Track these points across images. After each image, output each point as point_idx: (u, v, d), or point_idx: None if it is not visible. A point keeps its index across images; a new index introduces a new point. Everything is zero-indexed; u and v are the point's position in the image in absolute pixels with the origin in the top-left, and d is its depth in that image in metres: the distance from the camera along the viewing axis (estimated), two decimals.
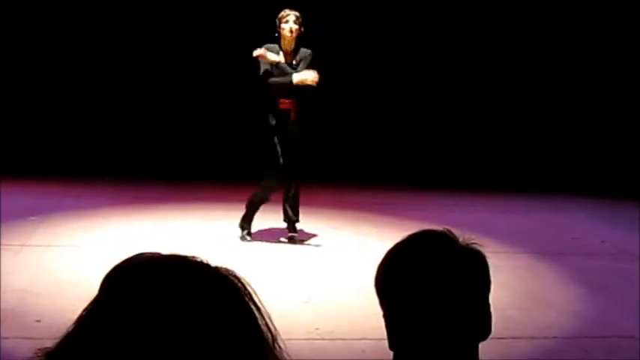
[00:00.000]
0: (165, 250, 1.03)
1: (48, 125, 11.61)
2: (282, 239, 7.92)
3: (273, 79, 7.43)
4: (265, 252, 7.59)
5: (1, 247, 7.24)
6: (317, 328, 5.80)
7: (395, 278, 1.67)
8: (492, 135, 12.18)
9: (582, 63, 12.15)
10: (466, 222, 8.86)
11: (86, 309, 0.99)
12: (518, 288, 6.49)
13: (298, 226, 7.94)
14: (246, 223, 7.85)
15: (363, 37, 12.00)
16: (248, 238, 7.83)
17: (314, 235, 8.20)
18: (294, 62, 7.53)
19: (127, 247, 7.14)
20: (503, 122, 12.23)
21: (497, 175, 11.47)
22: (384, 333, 1.72)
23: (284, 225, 7.88)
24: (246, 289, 0.99)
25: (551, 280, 7.11)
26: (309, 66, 7.54)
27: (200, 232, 8.09)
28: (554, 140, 12.14)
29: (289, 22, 7.44)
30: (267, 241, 7.95)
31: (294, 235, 7.87)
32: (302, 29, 7.53)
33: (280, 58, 7.49)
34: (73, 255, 7.19)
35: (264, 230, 8.23)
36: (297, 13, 7.51)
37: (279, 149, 7.50)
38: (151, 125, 11.71)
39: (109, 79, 11.79)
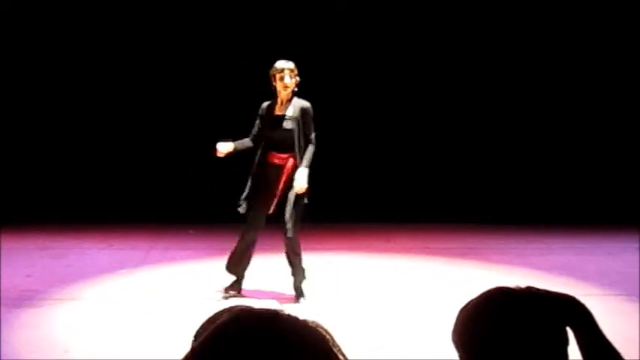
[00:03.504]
0: (251, 302, 1.05)
1: (133, 177, 11.90)
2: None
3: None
4: (346, 302, 7.54)
5: (93, 300, 7.42)
6: None
7: (472, 335, 1.66)
8: (580, 172, 11.98)
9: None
10: (555, 264, 8.73)
11: None
12: (611, 332, 6.28)
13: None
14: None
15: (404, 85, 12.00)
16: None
17: (398, 281, 8.16)
18: (286, 114, 7.14)
19: (214, 301, 7.22)
20: (589, 158, 12.03)
21: (586, 213, 11.26)
22: None
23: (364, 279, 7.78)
24: (333, 340, 1.00)
25: None
26: (307, 118, 7.12)
27: (279, 282, 8.12)
28: None
29: (284, 79, 7.07)
30: (347, 290, 7.92)
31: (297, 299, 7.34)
32: (298, 79, 7.17)
33: (222, 150, 7.18)
34: (161, 306, 7.29)
35: (343, 279, 8.23)
36: (291, 66, 7.11)
37: (259, 206, 7.15)
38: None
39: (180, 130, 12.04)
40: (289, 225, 7.04)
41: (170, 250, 9.70)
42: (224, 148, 7.20)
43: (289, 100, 7.19)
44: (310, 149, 7.12)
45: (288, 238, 7.08)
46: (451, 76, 11.98)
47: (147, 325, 6.72)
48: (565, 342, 1.66)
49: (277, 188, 7.13)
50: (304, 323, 1.01)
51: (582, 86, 12.02)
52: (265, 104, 7.31)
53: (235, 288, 7.48)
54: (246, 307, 1.03)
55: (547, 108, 12.09)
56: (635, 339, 6.28)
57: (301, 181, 6.99)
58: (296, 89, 7.23)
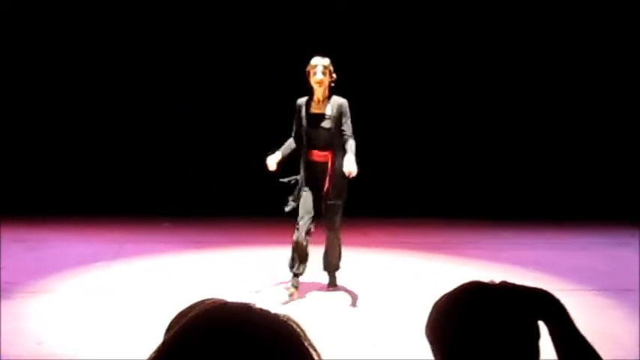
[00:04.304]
0: (225, 296, 1.05)
1: (109, 170, 11.85)
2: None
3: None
4: (322, 296, 7.56)
5: (67, 293, 7.38)
6: None
7: (445, 329, 1.66)
8: (554, 169, 12.06)
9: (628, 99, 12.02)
10: (530, 259, 8.79)
11: (153, 355, 1.01)
12: (583, 326, 6.33)
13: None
14: (292, 267, 7.37)
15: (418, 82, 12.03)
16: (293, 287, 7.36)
17: (371, 278, 8.18)
18: (326, 113, 7.04)
19: (187, 294, 7.21)
20: (563, 155, 12.11)
21: (561, 209, 11.35)
22: None
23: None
24: (305, 334, 1.00)
25: (617, 318, 6.96)
26: (345, 116, 7.01)
27: (257, 277, 8.12)
28: (619, 173, 11.96)
29: (317, 74, 6.96)
30: (322, 284, 7.94)
31: (331, 288, 7.57)
32: (333, 76, 7.06)
33: (272, 165, 7.03)
34: (136, 299, 7.27)
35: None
36: (325, 63, 7.00)
37: (309, 198, 7.08)
38: (214, 166, 11.86)
39: (162, 123, 11.99)
40: (333, 218, 7.22)
41: (145, 243, 9.67)
42: (273, 162, 7.05)
43: (327, 98, 7.08)
44: (352, 142, 6.96)
45: (331, 229, 7.32)
46: (441, 74, 12.01)
47: (121, 318, 6.69)
48: (537, 336, 1.67)
49: (324, 185, 7.07)
50: (275, 317, 1.01)
51: (558, 82, 12.11)
52: (301, 101, 7.17)
53: (295, 283, 7.35)
54: (218, 300, 1.04)
55: (526, 107, 12.15)
56: (609, 333, 6.34)
57: (351, 166, 6.75)
58: (332, 84, 7.09)
